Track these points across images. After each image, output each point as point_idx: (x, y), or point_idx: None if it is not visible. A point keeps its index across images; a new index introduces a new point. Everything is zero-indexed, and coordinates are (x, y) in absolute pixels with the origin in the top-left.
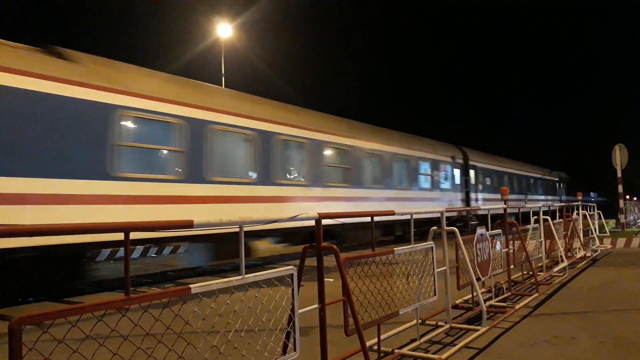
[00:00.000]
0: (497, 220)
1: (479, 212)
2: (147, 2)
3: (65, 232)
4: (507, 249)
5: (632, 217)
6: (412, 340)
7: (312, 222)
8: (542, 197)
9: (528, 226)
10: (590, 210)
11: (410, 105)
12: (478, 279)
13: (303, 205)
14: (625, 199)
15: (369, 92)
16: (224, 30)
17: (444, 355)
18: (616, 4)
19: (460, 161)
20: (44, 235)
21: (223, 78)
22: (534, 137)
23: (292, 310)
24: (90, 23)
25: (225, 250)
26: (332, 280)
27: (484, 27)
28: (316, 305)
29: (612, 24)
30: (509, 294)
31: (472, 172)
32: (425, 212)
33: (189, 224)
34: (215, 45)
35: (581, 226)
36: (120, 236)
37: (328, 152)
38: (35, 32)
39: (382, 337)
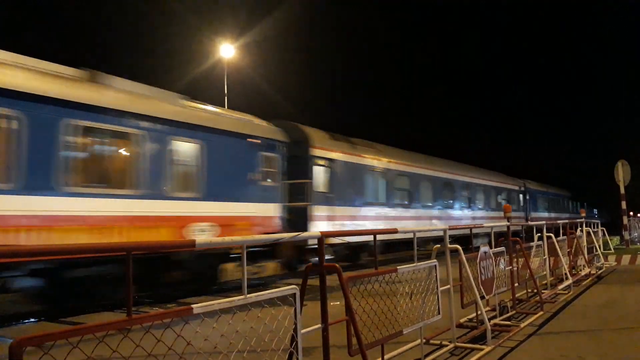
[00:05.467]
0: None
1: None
2: (150, 21)
3: (66, 253)
4: (510, 267)
5: (636, 234)
6: None
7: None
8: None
9: (532, 243)
10: (594, 227)
11: (417, 120)
12: (482, 297)
13: None
14: (629, 216)
15: (374, 109)
16: (227, 50)
17: None
18: (623, 15)
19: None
20: (44, 256)
21: (226, 98)
22: (535, 152)
23: (295, 330)
24: (94, 41)
25: None
26: (338, 303)
27: (486, 33)
28: (319, 325)
29: (618, 34)
30: (514, 312)
31: (317, 170)
32: None
33: (191, 244)
34: (218, 66)
35: (585, 243)
36: None
37: None
38: (38, 48)
39: (386, 357)
